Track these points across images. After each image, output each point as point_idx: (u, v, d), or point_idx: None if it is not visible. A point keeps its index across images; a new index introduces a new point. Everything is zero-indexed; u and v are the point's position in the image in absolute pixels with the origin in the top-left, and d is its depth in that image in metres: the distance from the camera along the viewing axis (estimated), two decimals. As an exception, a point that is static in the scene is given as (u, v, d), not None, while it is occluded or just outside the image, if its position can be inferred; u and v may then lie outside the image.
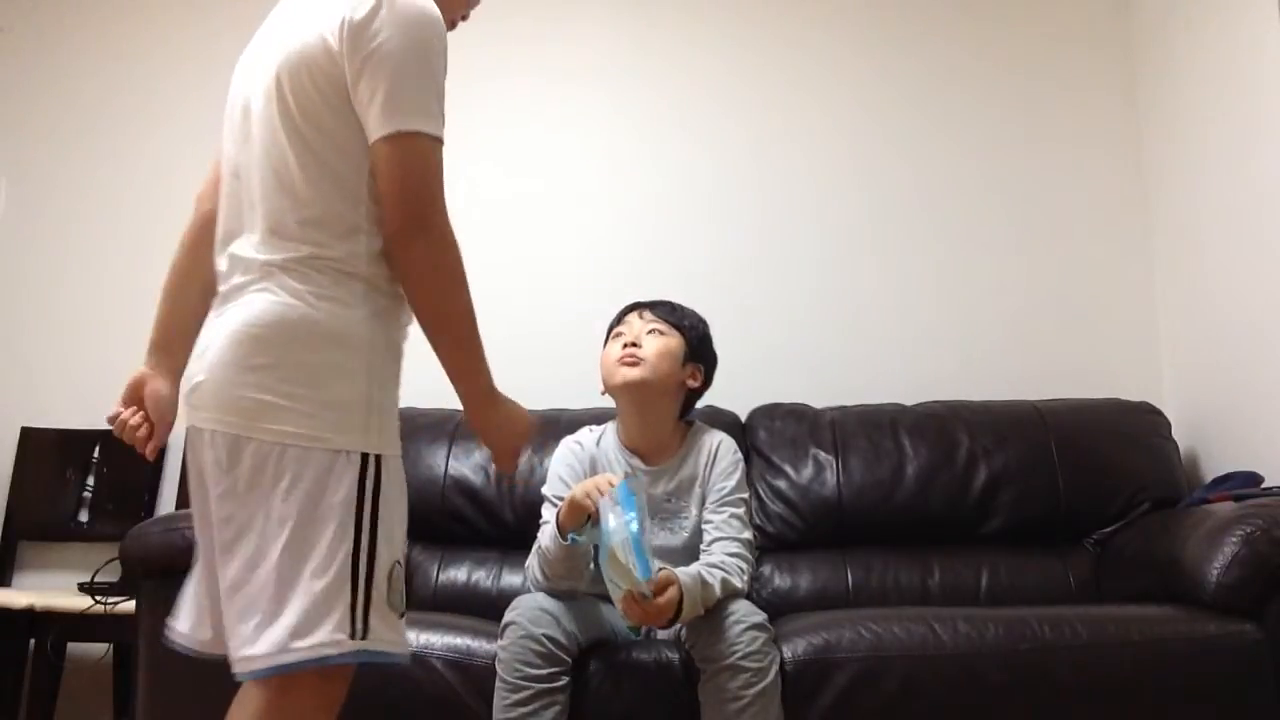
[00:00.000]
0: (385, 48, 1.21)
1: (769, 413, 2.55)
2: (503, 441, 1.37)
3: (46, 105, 3.15)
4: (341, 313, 1.23)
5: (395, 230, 1.23)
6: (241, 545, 1.18)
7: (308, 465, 1.17)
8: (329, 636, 1.13)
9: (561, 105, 2.99)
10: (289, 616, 1.13)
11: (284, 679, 1.15)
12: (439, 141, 1.23)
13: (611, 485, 1.70)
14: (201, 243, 1.42)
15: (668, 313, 2.07)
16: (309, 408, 1.18)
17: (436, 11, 1.28)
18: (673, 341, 2.03)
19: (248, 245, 1.27)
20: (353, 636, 1.14)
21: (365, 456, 1.19)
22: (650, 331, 2.02)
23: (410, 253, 1.23)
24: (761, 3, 3.04)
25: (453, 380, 1.31)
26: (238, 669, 1.18)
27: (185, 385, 1.30)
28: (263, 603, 1.15)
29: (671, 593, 1.68)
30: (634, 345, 2.00)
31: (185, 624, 1.33)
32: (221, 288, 1.30)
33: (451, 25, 1.41)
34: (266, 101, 1.28)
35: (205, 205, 1.45)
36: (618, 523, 1.63)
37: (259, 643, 1.14)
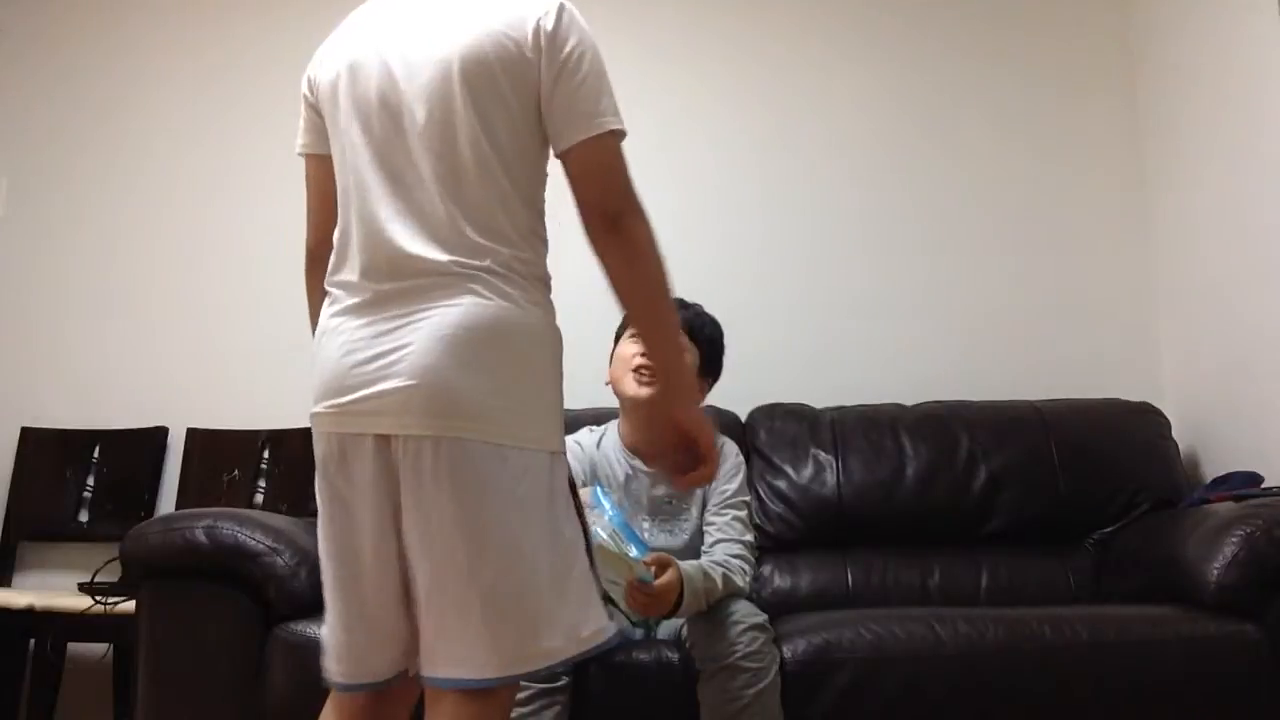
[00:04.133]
0: (578, 54, 1.26)
1: (769, 413, 2.55)
2: (705, 438, 1.34)
3: (46, 105, 3.15)
4: (544, 317, 1.27)
5: (608, 220, 1.25)
6: (490, 553, 1.15)
7: (539, 468, 1.20)
8: (600, 623, 1.20)
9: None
10: (569, 612, 1.17)
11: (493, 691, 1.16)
12: (623, 134, 1.28)
13: (589, 505, 1.69)
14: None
15: (688, 326, 2.01)
16: (535, 413, 1.22)
17: None
18: (689, 358, 2.01)
19: (424, 247, 1.22)
20: (609, 619, 1.23)
21: (563, 455, 1.26)
22: None
23: (622, 238, 1.26)
24: (763, 6, 3.04)
25: (661, 370, 1.38)
26: (485, 674, 1.14)
27: (337, 394, 1.22)
28: (534, 604, 1.16)
29: (671, 573, 1.70)
30: None
31: (345, 665, 1.26)
32: (379, 286, 1.23)
33: None
34: (438, 102, 1.24)
35: (315, 238, 1.40)
36: (599, 522, 1.64)
37: (545, 641, 1.15)
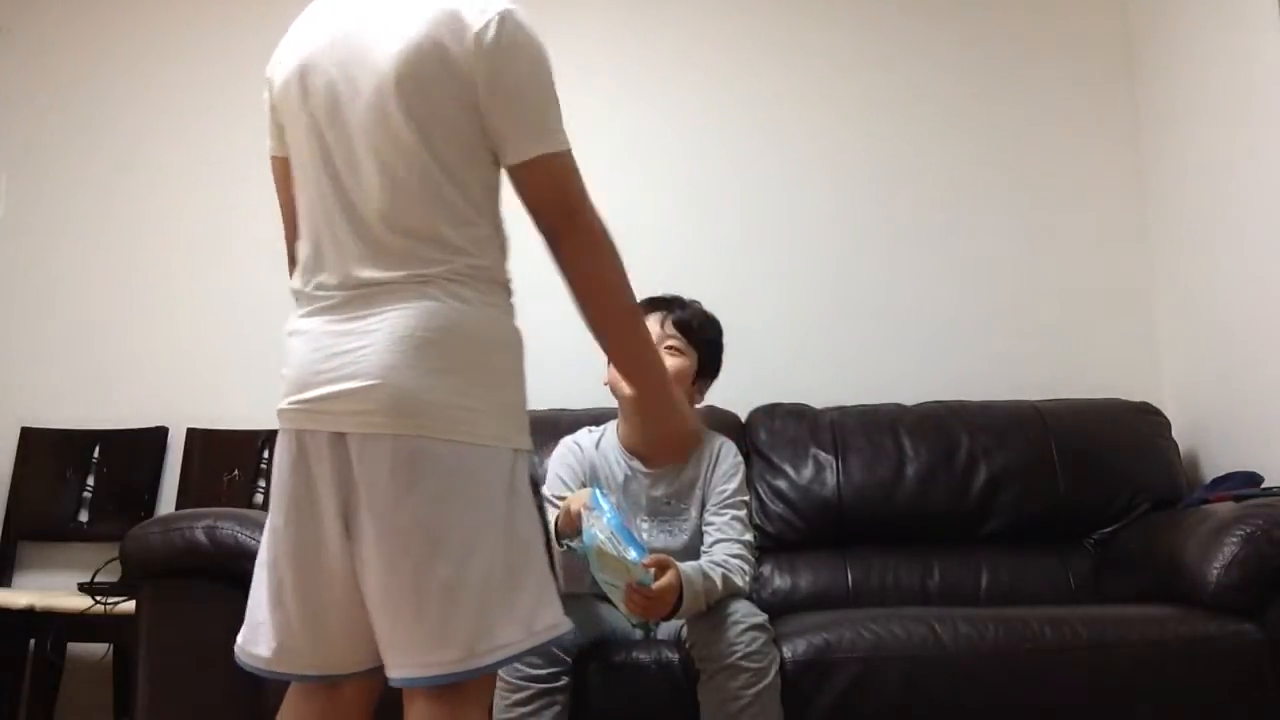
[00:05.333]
0: (518, 67, 1.25)
1: (769, 413, 2.55)
2: (678, 438, 1.44)
3: (46, 105, 3.15)
4: (501, 318, 1.28)
5: (554, 230, 1.27)
6: (445, 548, 1.16)
7: (499, 465, 1.21)
8: (556, 618, 1.21)
9: (561, 105, 2.98)
10: (525, 607, 1.18)
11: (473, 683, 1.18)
12: (571, 151, 1.28)
13: (587, 507, 1.69)
14: None
15: (687, 327, 2.02)
16: (494, 411, 1.22)
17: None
18: (688, 362, 2.01)
19: (377, 260, 1.23)
20: (563, 614, 1.24)
21: (530, 453, 1.27)
22: (668, 349, 1.99)
23: (572, 251, 1.28)
24: (756, 7, 3.03)
25: (627, 376, 1.40)
26: (439, 670, 1.15)
27: (299, 390, 1.23)
28: (490, 600, 1.17)
29: (670, 575, 1.69)
30: None
31: (266, 648, 1.27)
32: (341, 292, 1.24)
33: None
34: (379, 119, 1.23)
35: (292, 233, 1.41)
36: (598, 524, 1.64)
37: (500, 636, 1.16)
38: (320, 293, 1.27)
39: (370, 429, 1.18)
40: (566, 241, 1.28)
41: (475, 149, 1.26)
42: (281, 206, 1.42)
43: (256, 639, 1.28)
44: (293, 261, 1.38)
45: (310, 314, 1.27)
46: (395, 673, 1.18)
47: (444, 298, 1.21)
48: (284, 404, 1.26)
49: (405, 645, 1.17)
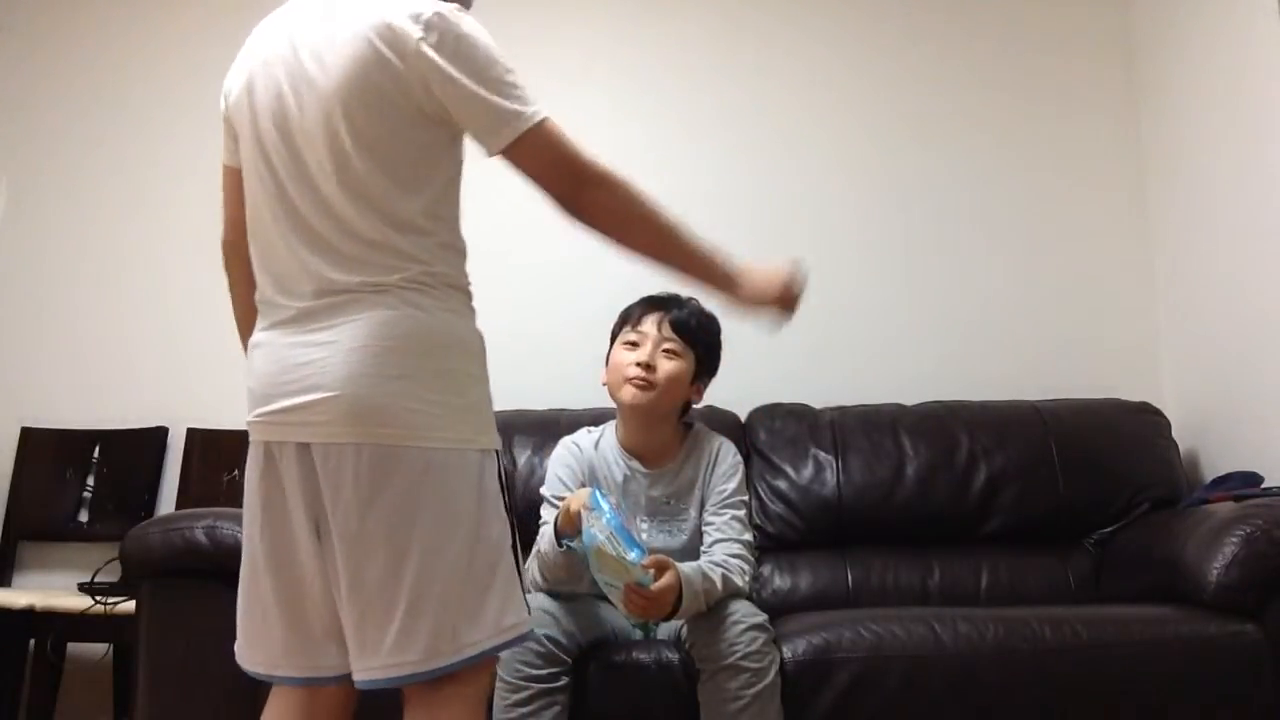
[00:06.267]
0: (466, 67, 1.23)
1: (769, 413, 2.55)
2: (777, 300, 1.48)
3: (47, 105, 3.15)
4: (458, 322, 1.28)
5: (564, 199, 1.28)
6: (412, 552, 1.18)
7: (466, 467, 1.23)
8: (519, 617, 1.23)
9: (561, 106, 2.98)
10: (491, 607, 1.20)
11: (470, 668, 1.20)
12: (548, 117, 1.28)
13: (587, 507, 1.69)
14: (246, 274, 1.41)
15: (684, 328, 2.01)
16: (456, 413, 1.24)
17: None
18: (685, 364, 2.00)
19: (333, 273, 1.24)
20: (529, 613, 1.26)
21: (496, 452, 1.28)
22: (665, 352, 1.99)
23: (590, 212, 1.29)
24: (763, 5, 3.04)
25: (702, 287, 1.42)
26: (400, 671, 1.17)
27: (264, 403, 1.26)
28: (454, 601, 1.18)
29: (669, 576, 1.69)
30: (648, 367, 1.97)
31: (252, 652, 1.30)
32: (299, 304, 1.26)
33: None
34: (325, 135, 1.24)
35: (231, 235, 1.46)
36: (597, 524, 1.64)
37: (464, 635, 1.18)
38: (277, 306, 1.29)
39: (333, 438, 1.20)
40: (581, 205, 1.29)
41: (428, 156, 1.27)
42: (225, 211, 1.45)
43: (245, 643, 1.31)
44: (227, 253, 1.47)
45: (269, 327, 1.30)
46: (360, 675, 1.20)
47: (400, 305, 1.22)
48: (250, 417, 1.29)
49: (371, 647, 1.18)
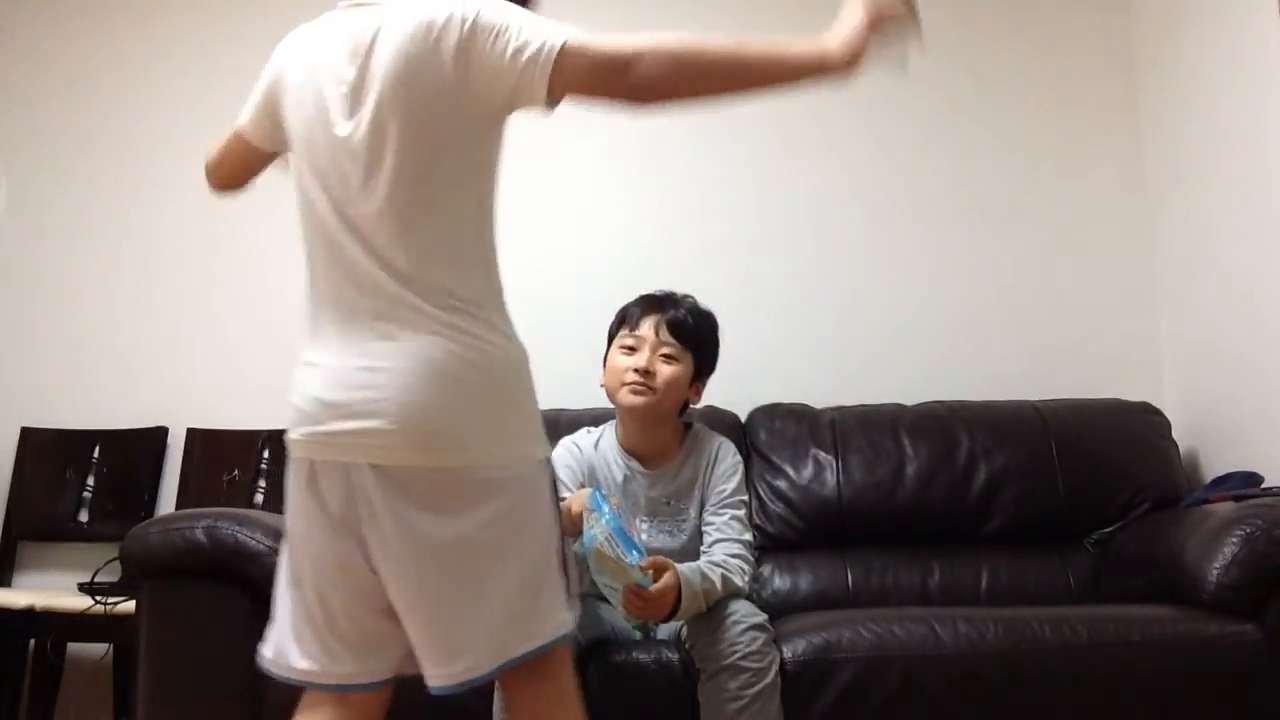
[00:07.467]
0: (506, 38, 1.21)
1: (769, 413, 2.55)
2: (875, 26, 1.36)
3: (46, 105, 3.14)
4: (506, 342, 1.29)
5: (629, 98, 1.24)
6: (480, 563, 1.21)
7: (525, 477, 1.26)
8: (568, 615, 1.27)
9: (560, 106, 2.98)
10: (546, 603, 1.25)
11: (547, 660, 1.24)
12: (564, 39, 1.22)
13: (587, 508, 1.69)
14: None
15: (682, 330, 2.00)
16: (513, 429, 1.27)
17: None
18: (683, 368, 1.99)
19: (390, 282, 1.24)
20: (574, 610, 1.29)
21: (548, 460, 1.31)
22: (663, 356, 1.98)
23: (650, 87, 1.23)
24: (760, 9, 3.03)
25: (805, 83, 1.37)
26: (472, 675, 1.22)
27: (316, 422, 1.25)
28: (520, 601, 1.23)
29: (668, 577, 1.69)
30: (646, 373, 1.96)
31: (306, 661, 1.31)
32: (352, 325, 1.26)
33: None
34: (377, 135, 1.24)
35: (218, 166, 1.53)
36: (597, 526, 1.64)
37: (530, 633, 1.22)
38: (330, 325, 1.28)
39: (395, 461, 1.21)
40: (640, 92, 1.24)
41: (475, 171, 1.27)
42: (220, 159, 1.51)
43: (286, 651, 1.31)
44: (210, 172, 1.53)
45: (321, 345, 1.29)
46: (433, 683, 1.24)
47: (451, 329, 1.23)
48: (297, 434, 1.28)
49: (443, 657, 1.22)
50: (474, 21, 1.21)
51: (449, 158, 1.25)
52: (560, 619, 1.26)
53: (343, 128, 1.26)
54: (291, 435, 1.29)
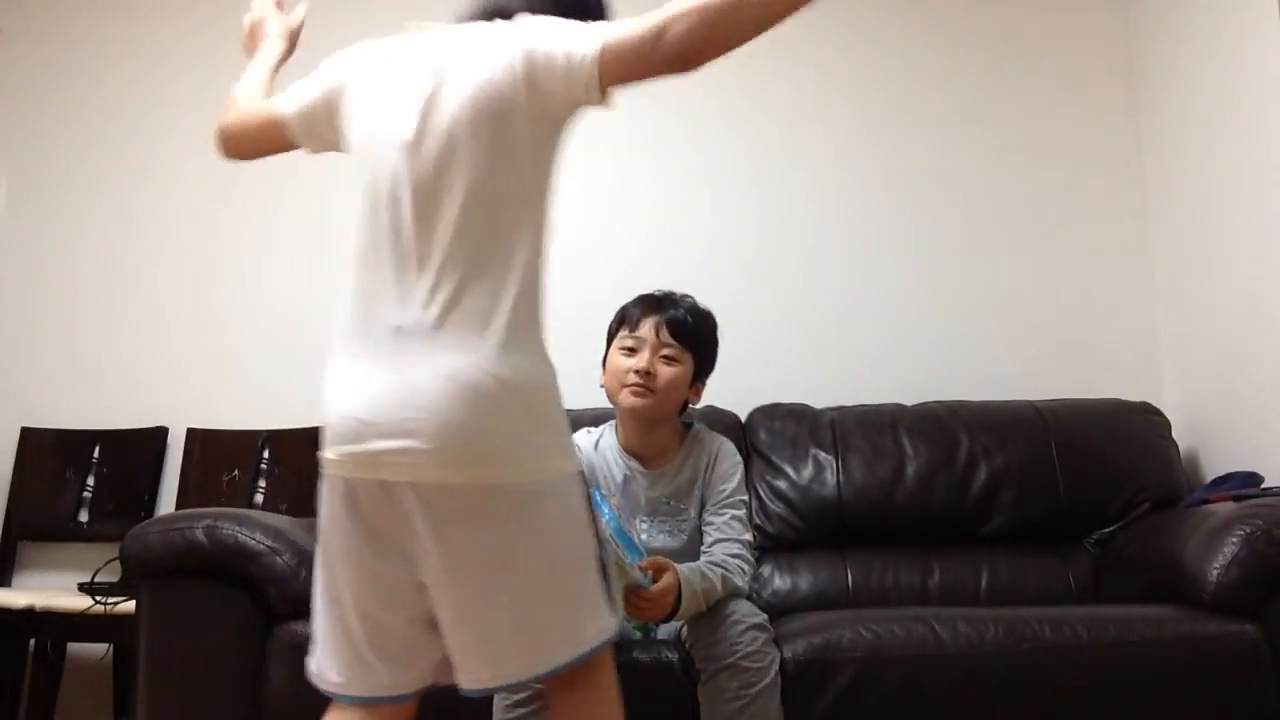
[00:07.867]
0: (546, 50, 1.27)
1: (769, 413, 2.55)
2: None
3: (46, 105, 3.15)
4: (541, 359, 1.31)
5: (666, 64, 1.26)
6: (520, 574, 1.25)
7: (561, 490, 1.29)
8: (610, 621, 1.31)
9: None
10: (587, 612, 1.29)
11: (587, 667, 1.28)
12: (608, 31, 1.27)
13: None
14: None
15: (682, 331, 1.99)
16: (549, 443, 1.30)
17: None
18: (683, 369, 1.98)
19: (429, 301, 1.26)
20: (616, 615, 1.34)
21: (580, 473, 1.35)
22: (663, 358, 1.97)
23: (686, 45, 1.24)
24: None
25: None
26: (507, 680, 1.30)
27: (354, 441, 1.26)
28: (560, 610, 1.28)
29: (668, 577, 1.69)
30: (647, 374, 1.95)
31: (341, 674, 1.33)
32: (390, 343, 1.27)
33: None
34: (447, 154, 1.28)
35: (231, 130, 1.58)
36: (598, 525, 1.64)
37: (574, 641, 1.27)
38: (369, 339, 1.29)
39: (433, 479, 1.23)
40: (677, 56, 1.25)
41: (527, 184, 1.31)
42: (240, 134, 1.57)
43: (324, 666, 1.34)
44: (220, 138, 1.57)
45: (357, 359, 1.30)
46: (472, 685, 1.27)
47: (490, 348, 1.25)
48: (334, 453, 1.29)
49: (479, 662, 1.27)
50: (532, 47, 1.27)
51: (513, 178, 1.29)
52: (603, 624, 1.29)
53: (411, 146, 1.30)
54: (327, 454, 1.30)
